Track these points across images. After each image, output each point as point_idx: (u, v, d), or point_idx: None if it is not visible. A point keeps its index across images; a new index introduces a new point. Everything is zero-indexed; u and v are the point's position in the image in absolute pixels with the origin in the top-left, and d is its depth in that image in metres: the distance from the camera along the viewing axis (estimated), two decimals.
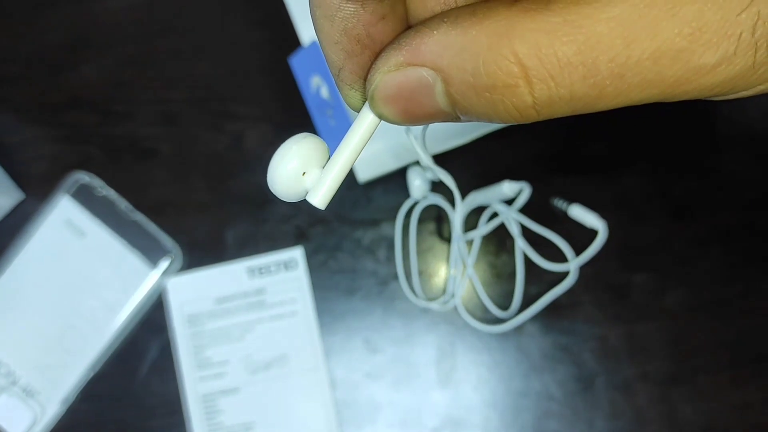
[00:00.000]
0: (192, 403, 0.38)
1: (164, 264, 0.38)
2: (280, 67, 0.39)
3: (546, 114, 0.14)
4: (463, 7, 0.14)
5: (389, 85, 0.15)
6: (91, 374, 0.38)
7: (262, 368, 0.38)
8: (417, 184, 0.38)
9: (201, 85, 0.40)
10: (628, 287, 0.38)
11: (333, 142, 0.37)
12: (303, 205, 0.39)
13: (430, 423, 0.37)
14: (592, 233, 0.35)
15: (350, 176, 0.39)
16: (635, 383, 0.37)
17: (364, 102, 0.17)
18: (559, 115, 0.14)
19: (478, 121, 0.15)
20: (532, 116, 0.14)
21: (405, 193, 0.38)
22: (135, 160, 0.40)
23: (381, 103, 0.16)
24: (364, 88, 0.16)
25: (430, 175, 0.38)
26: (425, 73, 0.14)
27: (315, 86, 0.38)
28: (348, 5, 0.15)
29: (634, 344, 0.37)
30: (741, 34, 0.12)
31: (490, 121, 0.15)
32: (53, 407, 0.37)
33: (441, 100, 0.15)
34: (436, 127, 0.36)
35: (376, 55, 0.15)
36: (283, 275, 0.38)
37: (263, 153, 0.39)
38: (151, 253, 0.38)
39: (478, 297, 0.38)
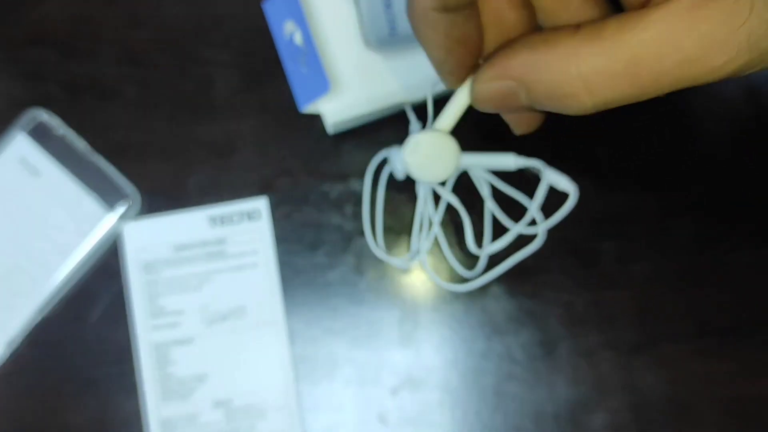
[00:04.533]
0: (144, 352, 0.36)
1: (121, 208, 0.37)
2: (253, 12, 0.38)
3: (601, 109, 0.20)
4: (537, 34, 0.20)
5: (487, 92, 0.22)
6: (39, 318, 0.36)
7: (218, 319, 0.37)
8: (399, 168, 0.36)
9: (170, 27, 0.39)
10: (596, 255, 0.38)
11: (305, 90, 0.37)
12: (270, 155, 0.38)
13: (389, 382, 0.36)
14: (563, 200, 0.34)
15: (320, 128, 0.38)
16: (599, 350, 0.36)
17: (460, 82, 0.25)
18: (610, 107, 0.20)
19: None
20: (590, 112, 0.20)
21: (376, 147, 0.37)
22: (97, 101, 0.38)
23: (481, 104, 0.23)
24: (461, 74, 0.24)
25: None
26: (513, 84, 0.21)
27: (288, 33, 0.37)
28: (448, 16, 0.20)
29: (600, 312, 0.37)
30: (740, 42, 0.17)
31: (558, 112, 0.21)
32: None
33: (524, 101, 0.21)
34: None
35: (471, 54, 0.23)
36: (246, 226, 0.37)
37: (231, 100, 0.38)
38: (108, 196, 0.37)
39: (445, 258, 0.37)
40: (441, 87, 0.29)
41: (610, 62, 0.18)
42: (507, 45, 0.21)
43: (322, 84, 0.36)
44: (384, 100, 0.35)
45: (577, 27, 0.19)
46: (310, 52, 0.36)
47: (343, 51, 0.37)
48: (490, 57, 0.21)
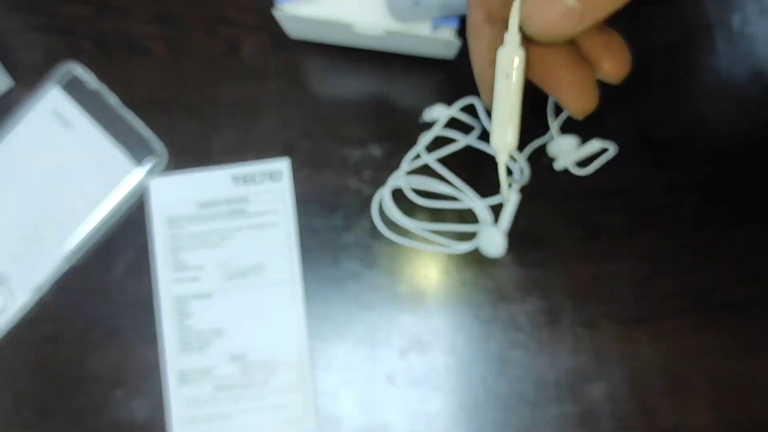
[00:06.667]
0: (165, 304, 0.38)
1: (149, 163, 0.38)
2: None
3: (583, 25, 0.23)
4: None
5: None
6: (66, 267, 0.38)
7: (237, 275, 0.38)
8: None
9: None
10: (600, 228, 0.39)
11: None
12: (293, 118, 0.39)
13: (397, 343, 0.38)
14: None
15: (343, 93, 0.39)
16: (600, 321, 0.38)
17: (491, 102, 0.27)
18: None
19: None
20: (575, 30, 0.23)
21: (396, 114, 0.39)
22: (128, 58, 0.39)
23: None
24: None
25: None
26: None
27: None
28: (493, 29, 0.26)
29: (603, 284, 0.38)
30: None
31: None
32: (24, 295, 0.37)
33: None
34: None
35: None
36: (268, 185, 0.39)
37: (257, 62, 0.39)
38: (137, 151, 0.38)
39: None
40: None
41: None
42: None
43: None
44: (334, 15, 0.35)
45: None
46: None
47: None
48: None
